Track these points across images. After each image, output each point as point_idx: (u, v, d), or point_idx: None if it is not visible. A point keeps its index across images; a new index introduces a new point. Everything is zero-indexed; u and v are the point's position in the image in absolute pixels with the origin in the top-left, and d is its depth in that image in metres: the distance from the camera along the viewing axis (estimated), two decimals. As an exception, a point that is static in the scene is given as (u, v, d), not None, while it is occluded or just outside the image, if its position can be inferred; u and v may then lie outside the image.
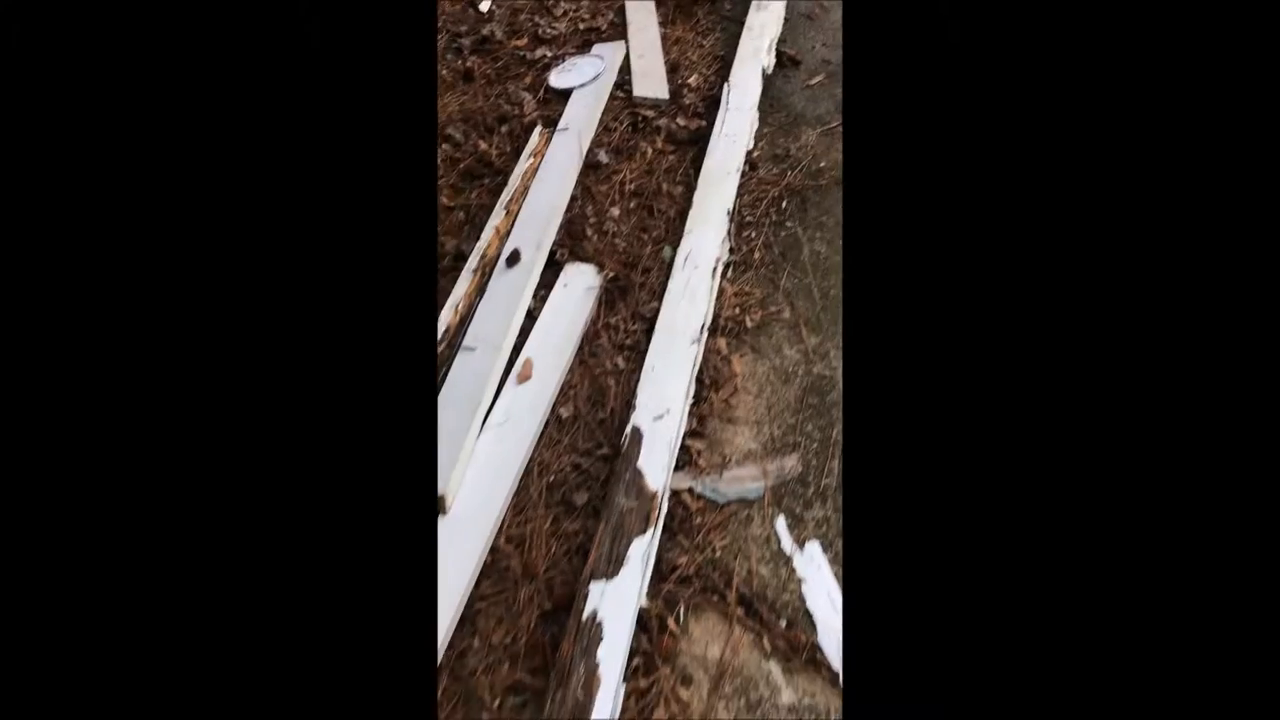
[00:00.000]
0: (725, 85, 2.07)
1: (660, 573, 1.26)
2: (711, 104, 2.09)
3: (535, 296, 1.63)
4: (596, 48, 2.23)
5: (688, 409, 1.44)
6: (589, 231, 1.76)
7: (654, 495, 1.28)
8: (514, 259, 1.64)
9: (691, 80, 2.18)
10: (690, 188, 1.86)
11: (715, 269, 1.65)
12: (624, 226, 1.79)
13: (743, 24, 2.35)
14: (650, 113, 2.05)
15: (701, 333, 1.53)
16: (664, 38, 2.33)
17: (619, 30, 2.35)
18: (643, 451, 1.34)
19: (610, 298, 1.63)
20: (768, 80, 2.18)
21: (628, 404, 1.44)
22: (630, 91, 2.11)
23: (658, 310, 1.58)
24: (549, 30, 2.34)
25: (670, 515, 1.32)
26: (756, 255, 1.76)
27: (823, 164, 1.97)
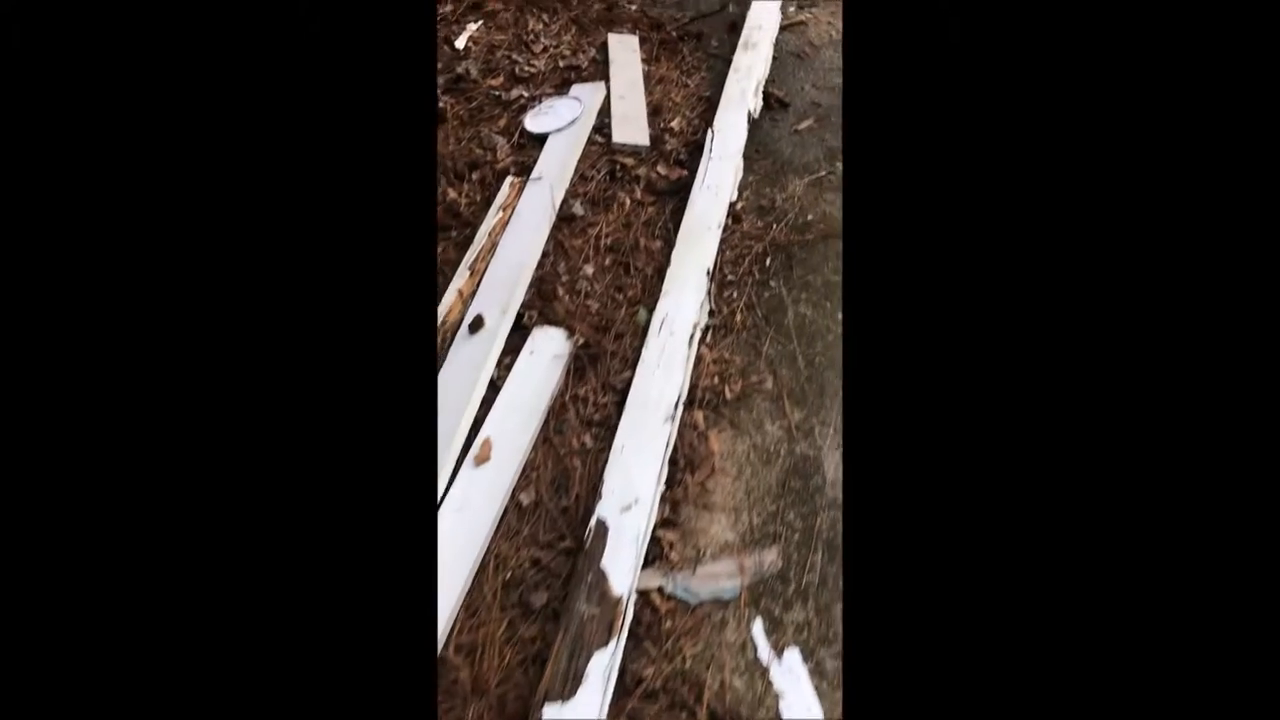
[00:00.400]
0: (709, 131, 1.98)
1: (624, 686, 1.15)
2: (694, 150, 1.99)
3: (499, 364, 1.52)
4: (575, 88, 2.13)
5: (659, 495, 1.33)
6: (560, 291, 1.65)
7: (618, 601, 1.17)
8: (477, 325, 1.53)
9: (674, 124, 2.08)
10: (669, 242, 1.76)
11: (693, 336, 1.54)
12: (598, 285, 1.68)
13: (729, 63, 2.26)
14: (629, 160, 1.95)
15: (676, 408, 1.43)
16: (647, 76, 2.24)
17: (600, 68, 2.26)
18: (608, 549, 1.23)
19: (579, 366, 1.53)
20: (754, 124, 2.08)
21: (594, 489, 1.33)
22: (609, 136, 2.01)
23: (630, 381, 1.47)
24: (527, 68, 2.24)
25: (637, 619, 1.21)
26: (738, 318, 1.65)
27: (809, 217, 1.87)
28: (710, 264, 1.68)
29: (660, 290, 1.63)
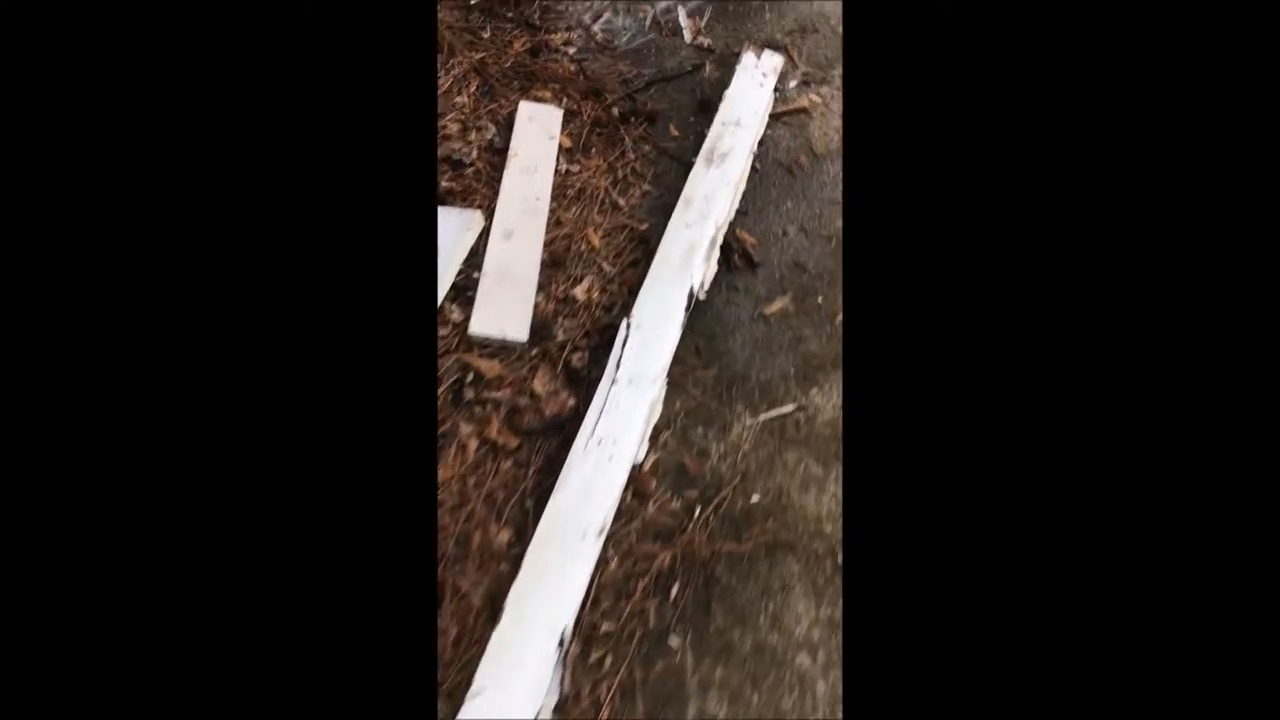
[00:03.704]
0: (625, 321, 1.28)
1: None
2: (602, 343, 1.30)
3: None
4: (441, 215, 1.41)
5: None
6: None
7: None
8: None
9: (580, 289, 1.38)
10: (525, 533, 1.10)
11: (507, 793, 0.90)
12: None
13: (689, 170, 1.54)
14: (490, 366, 1.26)
15: None
16: (561, 184, 1.52)
17: (494, 163, 1.53)
18: None
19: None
20: (700, 304, 1.38)
21: None
22: (470, 314, 1.31)
23: None
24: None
25: None
26: (603, 716, 1.01)
27: (755, 497, 1.20)
28: (570, 620, 1.02)
29: (481, 659, 0.98)
